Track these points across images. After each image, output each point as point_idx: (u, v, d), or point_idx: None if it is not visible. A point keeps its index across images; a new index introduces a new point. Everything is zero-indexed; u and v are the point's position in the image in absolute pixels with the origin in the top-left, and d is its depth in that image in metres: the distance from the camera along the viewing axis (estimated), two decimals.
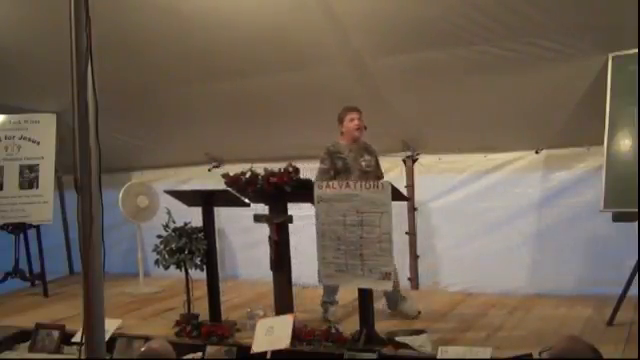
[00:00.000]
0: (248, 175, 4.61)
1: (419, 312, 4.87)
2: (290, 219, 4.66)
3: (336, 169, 4.79)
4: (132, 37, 5.30)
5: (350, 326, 4.52)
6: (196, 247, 4.84)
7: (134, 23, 5.19)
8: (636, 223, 4.22)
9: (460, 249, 5.71)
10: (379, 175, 4.99)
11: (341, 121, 4.89)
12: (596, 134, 4.66)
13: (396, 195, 4.23)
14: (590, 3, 4.27)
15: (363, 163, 4.83)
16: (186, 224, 4.91)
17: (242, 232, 6.43)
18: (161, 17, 5.09)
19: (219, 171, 6.09)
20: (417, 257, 5.92)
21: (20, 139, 6.67)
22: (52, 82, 5.01)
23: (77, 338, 4.56)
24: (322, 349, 4.27)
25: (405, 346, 4.13)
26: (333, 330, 4.39)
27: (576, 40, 4.52)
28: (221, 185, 4.81)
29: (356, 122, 4.82)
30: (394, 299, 4.88)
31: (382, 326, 4.52)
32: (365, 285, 4.30)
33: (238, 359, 4.34)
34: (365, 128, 4.86)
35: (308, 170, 4.74)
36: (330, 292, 4.98)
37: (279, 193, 4.52)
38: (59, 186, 7.43)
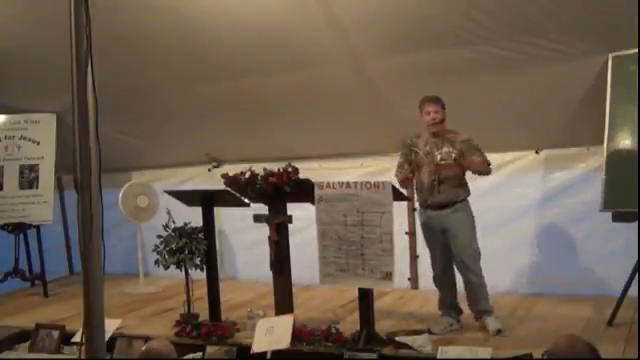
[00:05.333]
0: (247, 175, 4.61)
1: (499, 330, 4.42)
2: (290, 219, 4.66)
3: (411, 163, 4.54)
4: (132, 37, 5.30)
5: (350, 326, 4.52)
6: (196, 247, 4.84)
7: (134, 23, 5.19)
8: (636, 223, 4.22)
9: None
10: (473, 166, 4.42)
11: (420, 112, 4.50)
12: (596, 134, 4.66)
13: (396, 195, 4.24)
14: (590, 3, 4.27)
15: (439, 156, 4.41)
16: (186, 224, 4.91)
17: (242, 232, 6.43)
18: (161, 17, 5.09)
19: (219, 171, 6.08)
20: (417, 257, 5.92)
21: (20, 139, 6.67)
22: (52, 82, 5.00)
23: (77, 338, 4.57)
24: (322, 349, 4.28)
25: (405, 346, 4.13)
26: (333, 330, 4.39)
27: (576, 40, 4.52)
28: (221, 185, 4.81)
29: (431, 116, 4.42)
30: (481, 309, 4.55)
31: (382, 326, 4.53)
32: (366, 285, 4.32)
33: (238, 359, 4.34)
34: (442, 121, 4.45)
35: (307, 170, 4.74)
36: (448, 308, 4.61)
37: (278, 193, 4.53)
38: (59, 186, 7.42)
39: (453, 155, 4.41)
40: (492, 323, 4.43)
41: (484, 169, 4.48)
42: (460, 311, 4.65)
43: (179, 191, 5.39)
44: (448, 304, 4.63)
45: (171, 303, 5.74)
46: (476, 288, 4.47)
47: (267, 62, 5.32)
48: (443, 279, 4.60)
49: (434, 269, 4.65)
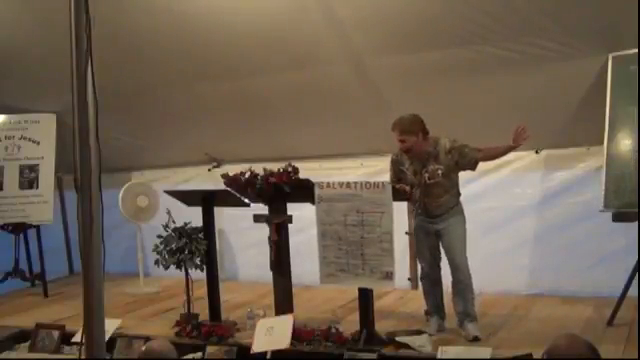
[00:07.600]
0: (247, 175, 4.61)
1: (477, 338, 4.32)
2: (290, 219, 4.66)
3: (400, 179, 4.45)
4: (132, 37, 5.30)
5: (350, 326, 4.52)
6: (196, 247, 4.84)
7: (134, 23, 5.19)
8: (636, 223, 4.22)
9: None
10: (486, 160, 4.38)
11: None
12: (596, 134, 4.67)
13: (396, 195, 4.23)
14: (590, 3, 4.27)
15: (426, 175, 4.32)
16: (186, 224, 4.91)
17: (242, 232, 6.43)
18: (161, 17, 5.09)
19: (219, 171, 6.08)
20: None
21: (20, 139, 6.67)
22: (52, 82, 5.01)
23: (77, 338, 4.56)
24: (322, 349, 4.27)
25: (405, 346, 4.13)
26: (333, 330, 4.39)
27: (576, 40, 4.53)
28: (221, 185, 4.81)
29: (399, 144, 4.35)
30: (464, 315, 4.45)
31: (382, 326, 4.53)
32: (366, 285, 4.32)
33: (238, 359, 4.34)
34: (410, 148, 4.32)
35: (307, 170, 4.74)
36: (435, 309, 4.57)
37: (278, 193, 4.53)
38: (59, 186, 7.42)
39: (440, 172, 4.30)
40: (472, 329, 4.33)
41: (493, 156, 4.40)
42: (444, 312, 4.60)
43: (179, 191, 5.38)
44: (435, 304, 4.59)
45: (171, 303, 5.74)
46: (465, 288, 4.38)
47: (267, 62, 5.32)
48: (431, 279, 4.56)
49: (423, 270, 4.59)
